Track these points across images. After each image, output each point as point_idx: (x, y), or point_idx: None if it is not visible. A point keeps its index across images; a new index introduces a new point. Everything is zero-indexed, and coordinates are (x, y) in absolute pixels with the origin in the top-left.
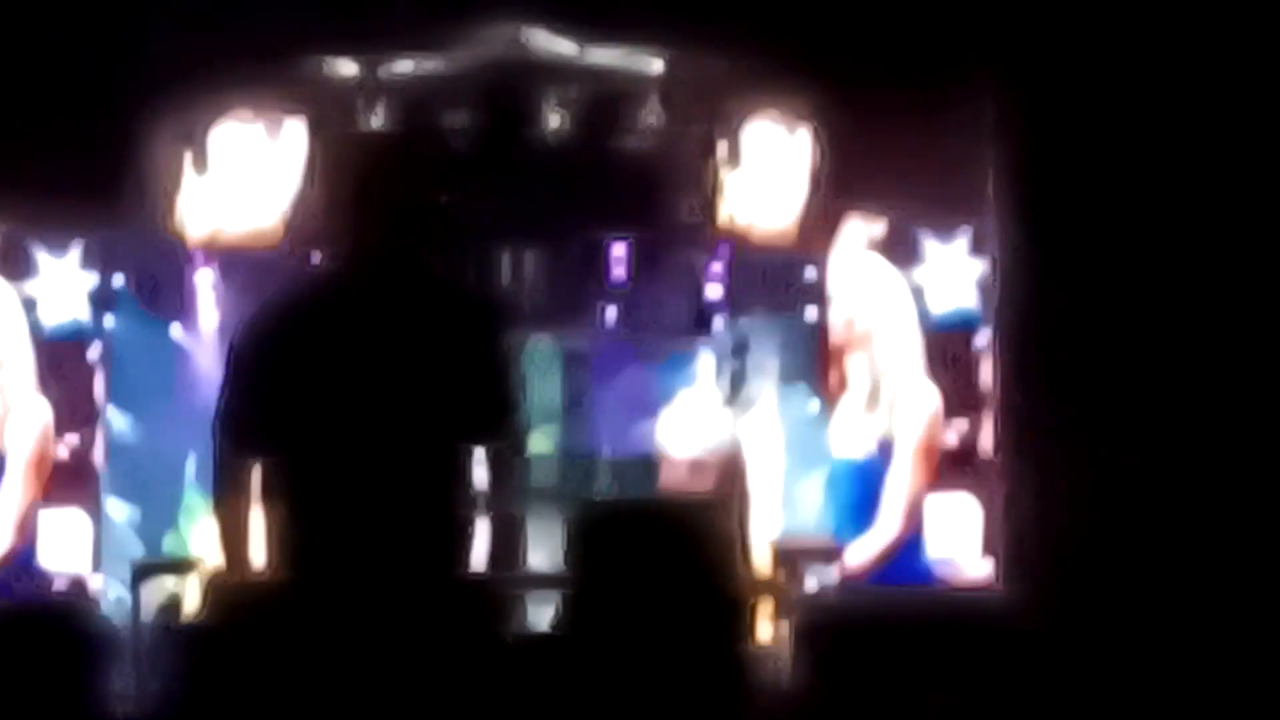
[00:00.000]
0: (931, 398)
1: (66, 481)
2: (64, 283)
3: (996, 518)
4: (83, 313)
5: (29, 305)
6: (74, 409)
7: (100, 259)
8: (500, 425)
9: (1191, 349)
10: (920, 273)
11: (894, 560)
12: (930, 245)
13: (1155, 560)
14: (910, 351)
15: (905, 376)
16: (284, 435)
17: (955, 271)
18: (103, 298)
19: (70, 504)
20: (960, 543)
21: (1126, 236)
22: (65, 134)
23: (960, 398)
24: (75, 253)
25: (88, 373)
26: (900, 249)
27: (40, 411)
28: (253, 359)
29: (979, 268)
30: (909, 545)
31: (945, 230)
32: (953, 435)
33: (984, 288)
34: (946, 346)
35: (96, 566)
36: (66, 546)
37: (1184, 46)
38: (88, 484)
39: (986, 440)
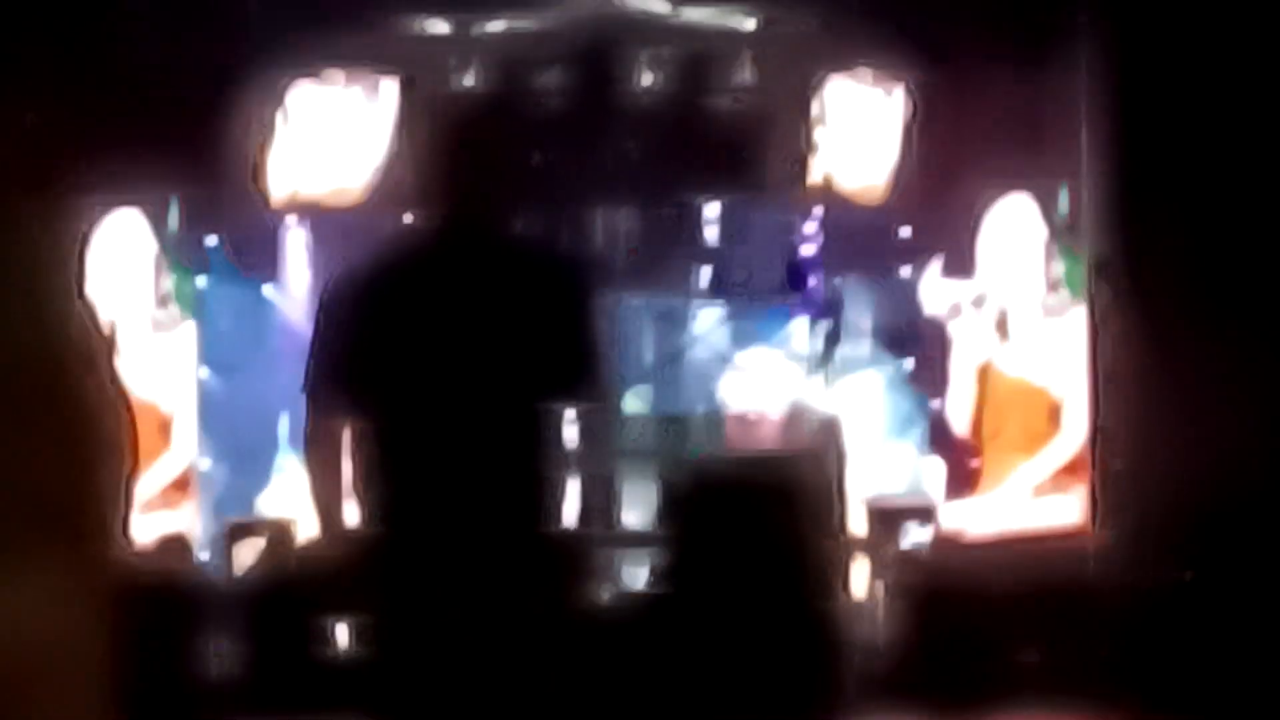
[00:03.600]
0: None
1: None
2: (159, 244)
3: (1098, 471)
4: (179, 273)
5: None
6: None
7: (193, 219)
8: (590, 385)
9: None
10: (1020, 234)
11: (993, 515)
12: (1029, 208)
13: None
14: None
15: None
16: (372, 395)
17: (1051, 233)
18: (197, 258)
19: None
20: (1059, 500)
21: (1220, 200)
22: (159, 96)
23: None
24: (172, 213)
25: (184, 333)
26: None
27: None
28: (342, 317)
29: (1074, 229)
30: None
31: (1042, 192)
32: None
33: (1079, 247)
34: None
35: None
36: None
37: None
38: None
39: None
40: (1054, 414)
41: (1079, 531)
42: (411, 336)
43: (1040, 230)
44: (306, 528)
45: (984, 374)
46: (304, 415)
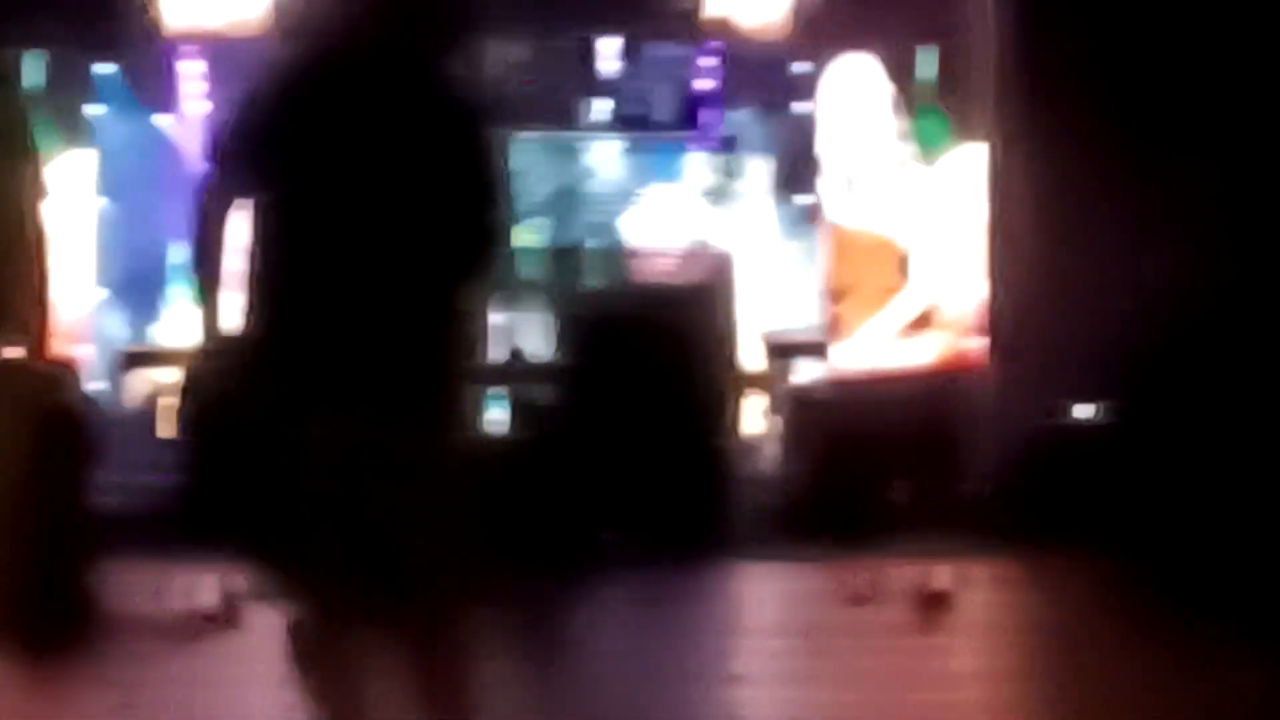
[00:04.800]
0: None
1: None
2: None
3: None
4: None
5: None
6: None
7: (84, 50)
8: (486, 213)
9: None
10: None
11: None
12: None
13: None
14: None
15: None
16: (278, 194)
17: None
18: (89, 87)
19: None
20: (954, 328)
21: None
22: None
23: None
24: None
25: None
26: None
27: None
28: (252, 114)
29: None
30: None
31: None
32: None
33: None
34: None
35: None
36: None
37: None
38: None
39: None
40: (904, 264)
41: (960, 371)
42: (315, 135)
43: (886, 88)
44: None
45: (835, 229)
46: (200, 201)
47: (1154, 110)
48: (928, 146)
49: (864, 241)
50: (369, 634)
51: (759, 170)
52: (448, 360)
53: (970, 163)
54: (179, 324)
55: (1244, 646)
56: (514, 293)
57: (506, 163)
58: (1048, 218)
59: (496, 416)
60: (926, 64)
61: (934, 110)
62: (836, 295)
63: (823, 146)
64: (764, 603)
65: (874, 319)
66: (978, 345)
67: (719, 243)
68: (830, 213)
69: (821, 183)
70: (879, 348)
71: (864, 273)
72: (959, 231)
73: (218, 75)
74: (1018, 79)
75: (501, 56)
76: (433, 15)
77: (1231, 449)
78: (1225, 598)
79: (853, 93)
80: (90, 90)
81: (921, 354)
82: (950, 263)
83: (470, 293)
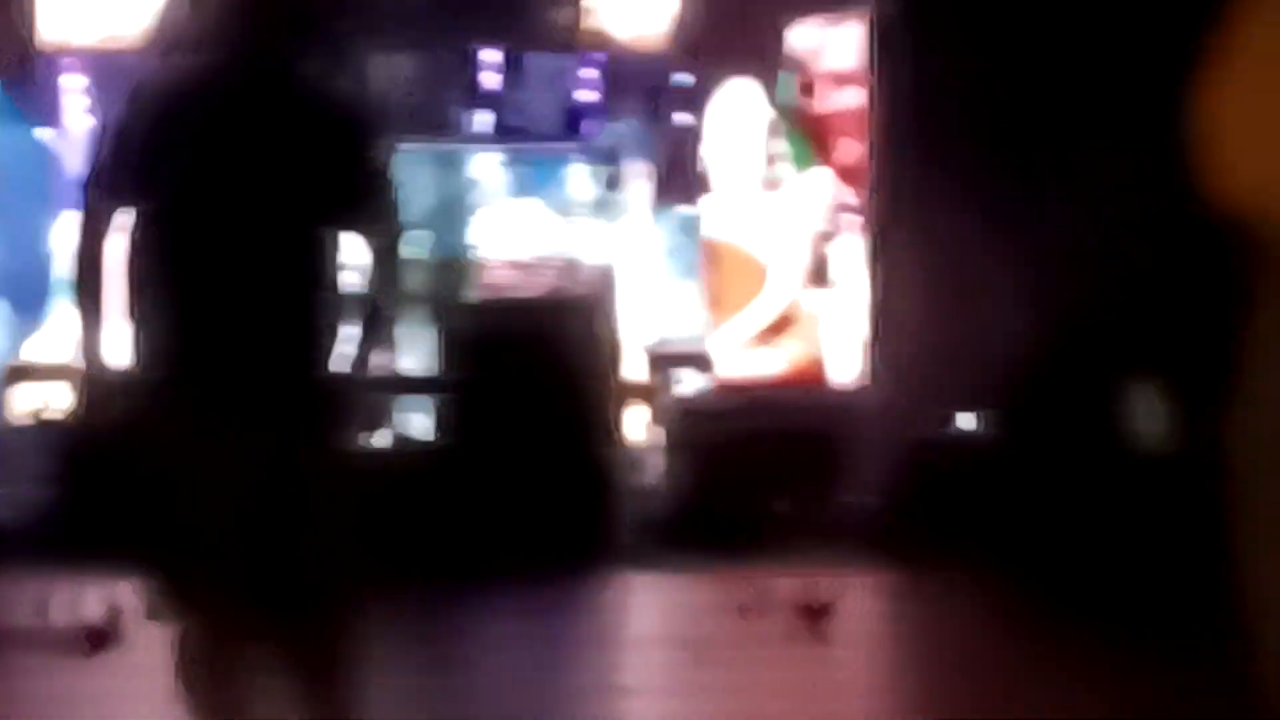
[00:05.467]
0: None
1: None
2: None
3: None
4: None
5: None
6: None
7: None
8: (368, 225)
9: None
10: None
11: (767, 359)
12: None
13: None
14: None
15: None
16: (154, 210)
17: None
18: None
19: None
20: (836, 343)
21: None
22: None
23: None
24: None
25: None
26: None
27: None
28: (128, 127)
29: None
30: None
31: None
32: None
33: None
34: (833, 124)
35: None
36: None
37: None
38: None
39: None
40: (771, 276)
41: (850, 382)
42: (192, 148)
43: (768, 112)
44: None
45: (713, 243)
46: (80, 215)
47: (1031, 120)
48: (794, 166)
49: (738, 256)
50: (256, 649)
51: (640, 182)
52: (328, 372)
53: (830, 182)
54: (62, 338)
55: (1125, 653)
56: (398, 305)
57: (388, 173)
58: (928, 229)
59: (379, 428)
60: (786, 87)
61: (794, 133)
62: (714, 306)
63: (704, 163)
64: (649, 614)
65: (732, 323)
66: (857, 355)
67: (601, 254)
68: (708, 227)
69: (702, 198)
70: (755, 356)
71: (738, 286)
72: (826, 246)
73: (99, 89)
74: (890, 99)
75: (382, 68)
76: (307, 28)
77: (1110, 458)
78: (1107, 605)
79: (735, 115)
80: None
81: (782, 360)
82: (813, 273)
83: (341, 302)
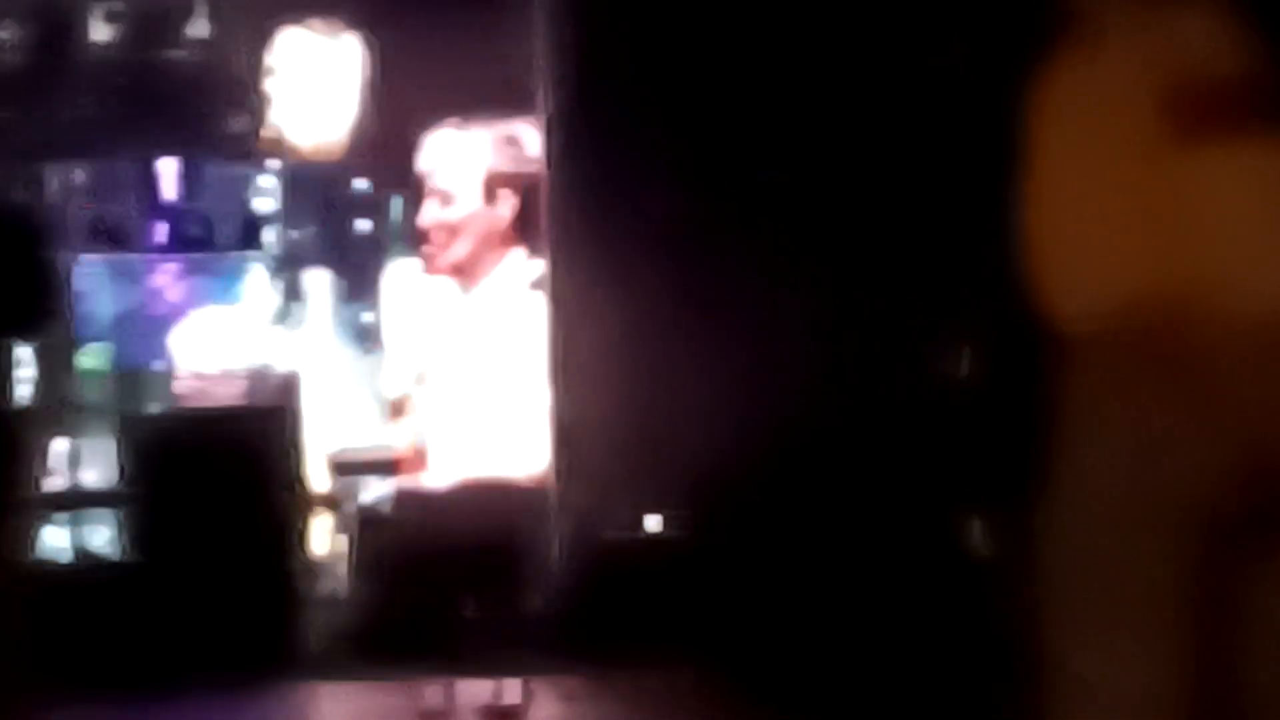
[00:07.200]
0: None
1: None
2: None
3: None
4: None
5: None
6: None
7: None
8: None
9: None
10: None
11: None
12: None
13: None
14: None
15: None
16: None
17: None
18: None
19: None
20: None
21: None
22: None
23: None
24: None
25: None
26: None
27: None
28: None
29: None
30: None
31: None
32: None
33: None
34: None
35: None
36: None
37: None
38: None
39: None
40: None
41: (534, 484)
42: None
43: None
44: None
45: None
46: None
47: (724, 203)
48: None
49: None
50: None
51: (321, 288)
52: None
53: (517, 271)
54: None
55: None
56: (76, 417)
57: (58, 283)
58: (610, 323)
59: (56, 544)
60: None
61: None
62: (396, 411)
63: (383, 270)
64: None
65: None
66: (542, 457)
67: (282, 362)
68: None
69: (380, 302)
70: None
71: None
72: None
73: None
74: (569, 186)
75: (59, 179)
76: None
77: (805, 554)
78: (804, 700)
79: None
80: None
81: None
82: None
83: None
